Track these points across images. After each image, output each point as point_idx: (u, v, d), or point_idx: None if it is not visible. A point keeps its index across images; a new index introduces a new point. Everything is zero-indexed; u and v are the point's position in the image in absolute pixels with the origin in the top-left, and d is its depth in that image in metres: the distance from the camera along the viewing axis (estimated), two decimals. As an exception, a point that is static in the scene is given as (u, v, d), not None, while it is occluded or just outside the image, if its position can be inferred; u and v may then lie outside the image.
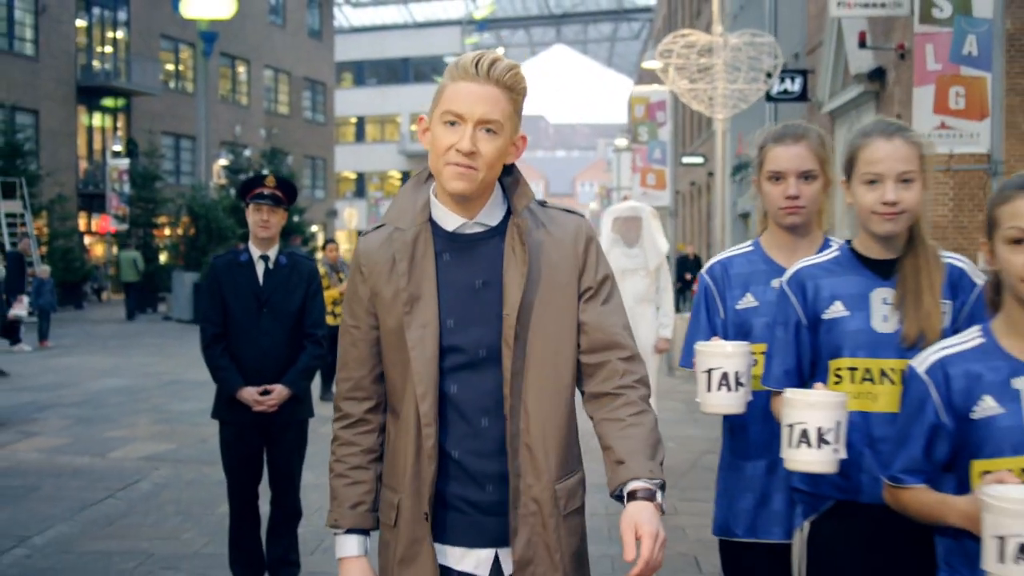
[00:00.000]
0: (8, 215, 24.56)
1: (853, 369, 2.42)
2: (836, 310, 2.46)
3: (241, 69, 44.53)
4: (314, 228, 41.31)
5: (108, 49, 36.29)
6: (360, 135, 65.44)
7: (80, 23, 34.62)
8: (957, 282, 2.50)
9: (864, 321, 2.44)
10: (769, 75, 15.49)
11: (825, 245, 2.79)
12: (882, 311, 2.44)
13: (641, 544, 1.91)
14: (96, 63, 35.37)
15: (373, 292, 2.24)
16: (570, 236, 2.25)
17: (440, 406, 2.16)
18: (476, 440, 2.17)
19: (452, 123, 2.10)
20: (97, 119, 36.25)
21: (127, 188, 30.70)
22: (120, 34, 37.09)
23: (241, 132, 40.05)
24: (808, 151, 2.87)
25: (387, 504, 2.25)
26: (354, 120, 64.81)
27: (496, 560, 2.20)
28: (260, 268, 4.78)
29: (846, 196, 2.54)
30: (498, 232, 2.22)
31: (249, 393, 4.69)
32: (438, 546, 2.19)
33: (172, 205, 26.29)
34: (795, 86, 20.19)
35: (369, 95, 64.07)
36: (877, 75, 15.82)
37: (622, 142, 41.35)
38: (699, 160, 34.56)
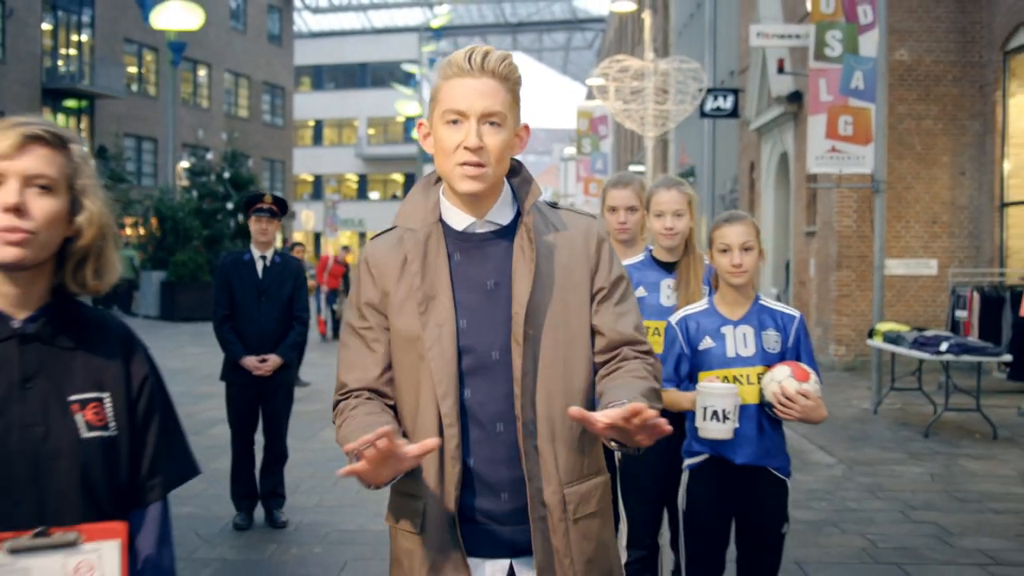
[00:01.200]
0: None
1: (651, 328, 3.87)
2: (639, 292, 3.91)
3: (202, 73, 45.42)
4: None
5: (72, 52, 37.16)
6: (318, 138, 66.16)
7: (46, 26, 35.46)
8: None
9: (656, 299, 3.90)
10: (700, 93, 17.08)
11: (646, 250, 4.19)
12: (667, 292, 3.91)
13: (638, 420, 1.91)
14: (61, 65, 36.20)
15: (383, 293, 2.21)
16: (581, 236, 2.25)
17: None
18: (490, 447, 2.12)
19: (455, 121, 2.09)
20: (61, 120, 37.11)
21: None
22: (84, 37, 37.96)
23: (203, 135, 41.03)
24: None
25: (411, 512, 2.17)
26: (312, 123, 65.54)
27: (511, 571, 2.17)
28: (259, 265, 6.20)
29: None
30: (508, 231, 2.22)
31: (250, 361, 6.10)
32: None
33: (140, 206, 27.35)
34: (727, 103, 21.77)
35: (327, 99, 64.89)
36: (795, 97, 17.42)
37: (570, 151, 42.86)
38: (643, 168, 36.27)
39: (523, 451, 2.09)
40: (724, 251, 3.42)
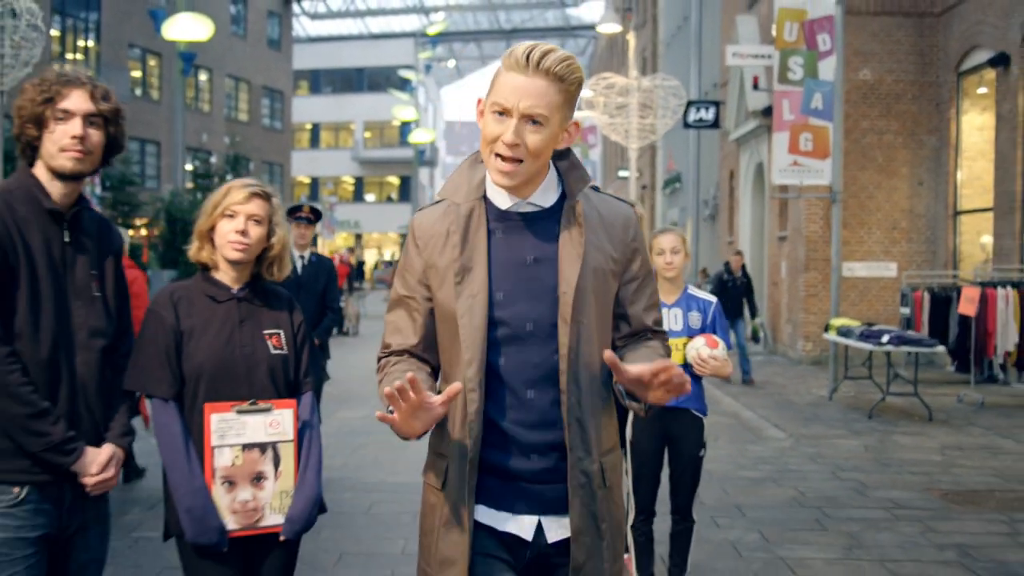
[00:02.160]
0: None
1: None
2: None
3: (204, 77, 46.54)
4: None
5: (79, 57, 38.33)
6: (315, 141, 67.31)
7: (54, 32, 36.62)
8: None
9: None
10: (680, 108, 18.42)
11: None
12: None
13: (664, 375, 2.10)
14: (68, 70, 37.30)
15: (428, 264, 2.31)
16: (621, 223, 2.36)
17: (488, 376, 2.22)
18: (521, 411, 2.23)
19: (500, 113, 2.17)
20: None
21: (99, 191, 32.90)
22: (91, 43, 39.16)
23: (207, 139, 42.21)
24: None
25: (438, 469, 2.31)
26: (309, 126, 66.70)
27: (539, 527, 2.27)
28: (299, 263, 7.48)
29: None
30: (551, 213, 2.29)
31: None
32: (484, 508, 2.26)
33: (150, 208, 28.57)
34: (709, 115, 23.02)
35: (324, 103, 66.08)
36: (769, 112, 18.70)
37: (562, 156, 44.13)
38: (635, 174, 37.57)
39: (567, 423, 2.21)
40: (660, 254, 4.72)
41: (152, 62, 42.70)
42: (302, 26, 65.14)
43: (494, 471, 2.24)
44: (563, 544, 2.26)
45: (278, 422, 2.89)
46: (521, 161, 2.17)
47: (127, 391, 2.89)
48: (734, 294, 14.13)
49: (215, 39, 45.60)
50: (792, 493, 7.48)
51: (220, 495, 2.83)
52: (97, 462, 2.71)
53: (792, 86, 12.99)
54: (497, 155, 2.17)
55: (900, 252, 16.80)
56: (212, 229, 2.96)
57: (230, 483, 2.84)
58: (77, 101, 2.77)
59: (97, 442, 2.76)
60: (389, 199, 67.02)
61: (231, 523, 2.84)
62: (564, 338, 2.21)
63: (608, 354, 2.05)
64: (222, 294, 2.95)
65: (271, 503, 2.88)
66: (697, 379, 4.69)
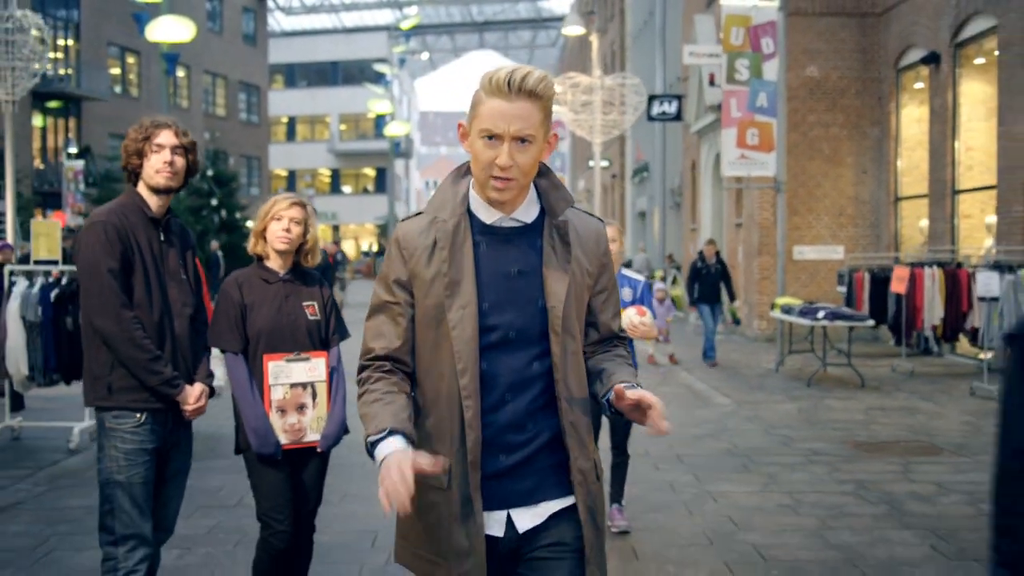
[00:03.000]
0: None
1: None
2: None
3: (181, 74, 47.27)
4: (250, 223, 44.49)
5: (60, 55, 39.06)
6: (291, 134, 68.04)
7: (34, 32, 37.33)
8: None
9: None
10: (641, 105, 19.65)
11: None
12: None
13: (653, 411, 2.27)
14: (49, 68, 38.05)
15: (412, 274, 2.42)
16: (594, 238, 2.51)
17: None
18: (499, 414, 2.36)
19: (490, 138, 2.30)
20: (49, 122, 39.09)
21: (82, 187, 33.77)
22: (71, 41, 39.93)
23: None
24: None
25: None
26: (285, 120, 67.42)
27: (509, 520, 2.40)
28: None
29: None
30: (532, 229, 2.44)
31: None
32: None
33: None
34: (672, 108, 24.28)
35: (300, 96, 66.85)
36: (725, 106, 19.99)
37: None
38: (606, 163, 38.85)
39: (563, 427, 2.38)
40: None
41: (131, 60, 43.49)
42: (276, 21, 65.81)
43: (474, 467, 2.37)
44: (532, 533, 2.41)
45: (315, 368, 4.05)
46: (514, 180, 2.31)
47: (206, 346, 4.05)
48: (709, 281, 14.90)
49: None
50: (726, 446, 8.71)
51: (275, 419, 4.00)
52: (193, 395, 3.87)
53: (739, 86, 14.21)
54: (493, 177, 2.31)
55: (846, 236, 18.07)
56: (264, 230, 4.12)
57: (282, 411, 4.01)
58: (166, 137, 3.90)
59: (189, 382, 3.92)
60: (365, 190, 67.97)
61: (283, 439, 4.01)
62: (556, 348, 2.37)
63: (618, 388, 2.31)
64: (272, 277, 4.11)
65: (311, 425, 4.04)
66: (629, 341, 5.86)
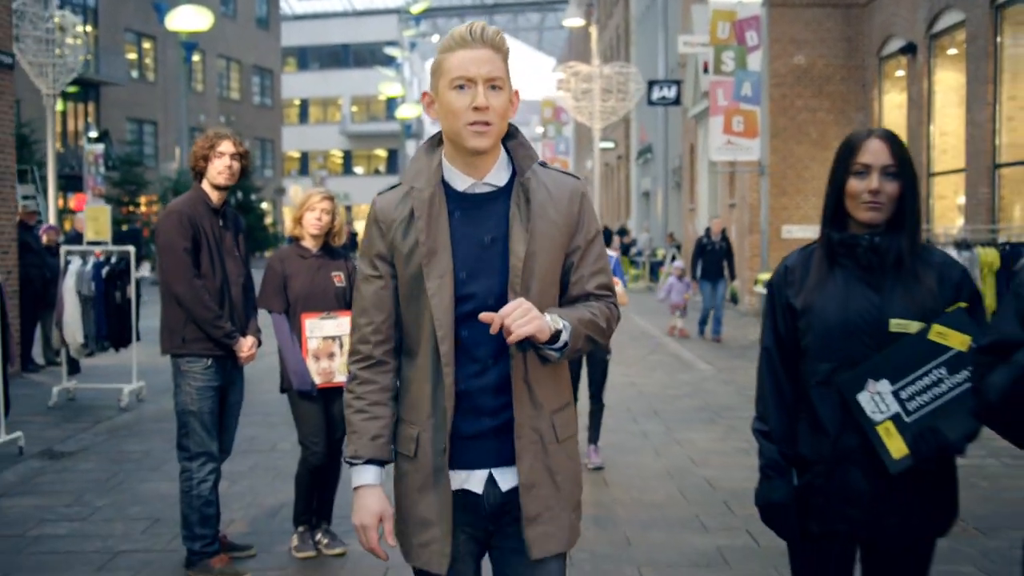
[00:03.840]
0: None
1: None
2: None
3: (196, 58, 48.25)
4: (264, 205, 45.66)
5: (78, 42, 40.05)
6: (303, 116, 69.12)
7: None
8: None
9: None
10: (638, 92, 20.70)
11: None
12: None
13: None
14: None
15: (391, 245, 2.46)
16: (567, 196, 2.47)
17: (454, 348, 2.38)
18: (482, 378, 2.40)
19: (462, 87, 2.33)
20: (69, 107, 40.20)
21: (102, 170, 34.96)
22: (89, 28, 40.98)
23: (204, 119, 44.09)
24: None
25: (406, 437, 2.47)
26: (298, 102, 68.48)
27: (491, 478, 2.43)
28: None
29: None
30: (504, 192, 2.45)
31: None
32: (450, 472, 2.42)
33: (157, 186, 30.70)
34: (671, 93, 25.30)
35: (312, 79, 67.85)
36: (720, 92, 21.00)
37: (539, 130, 46.47)
38: (611, 145, 39.87)
39: (514, 386, 2.37)
40: None
41: (147, 45, 44.52)
42: (288, 4, 66.81)
43: (460, 436, 2.41)
44: (515, 491, 2.43)
45: (341, 324, 5.15)
46: (493, 124, 2.34)
47: (255, 307, 5.17)
48: (713, 257, 15.41)
49: (207, 20, 47.54)
50: (699, 403, 9.82)
51: (311, 364, 5.11)
52: (246, 345, 4.98)
53: (725, 76, 15.23)
54: (472, 123, 2.33)
55: (832, 216, 19.07)
56: (300, 218, 5.22)
57: (316, 358, 5.12)
58: (226, 147, 5.00)
59: (243, 335, 5.02)
60: (377, 171, 69.01)
61: (317, 380, 5.12)
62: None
63: (484, 316, 2.26)
64: (307, 254, 5.21)
65: (339, 369, 5.16)
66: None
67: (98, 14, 41.03)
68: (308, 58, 68.64)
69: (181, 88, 31.14)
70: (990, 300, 11.83)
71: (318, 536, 5.36)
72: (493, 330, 2.25)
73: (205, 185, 5.03)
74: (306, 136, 67.49)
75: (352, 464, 2.45)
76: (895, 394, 2.53)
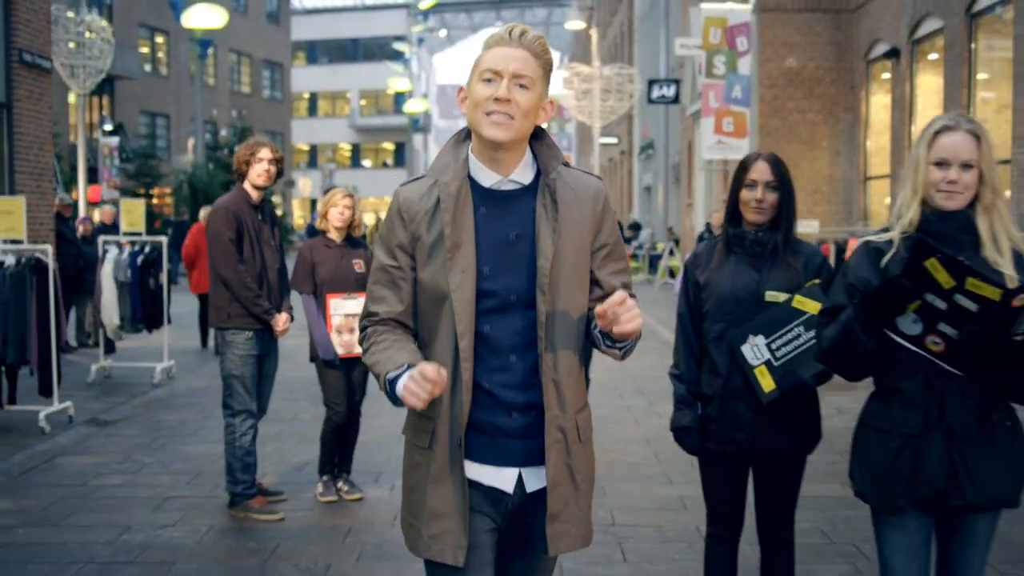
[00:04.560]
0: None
1: None
2: None
3: (208, 52, 49.17)
4: (275, 198, 46.58)
5: (93, 36, 40.94)
6: (313, 110, 69.89)
7: (69, 14, 39.32)
8: None
9: None
10: (635, 92, 21.58)
11: None
12: None
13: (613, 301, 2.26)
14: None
15: (414, 237, 2.47)
16: (591, 196, 2.51)
17: (475, 343, 2.41)
18: (505, 374, 2.43)
19: (489, 80, 2.38)
20: (84, 100, 41.00)
21: (117, 163, 35.90)
22: (104, 23, 41.87)
23: (217, 113, 44.96)
24: None
25: (421, 429, 2.49)
26: (307, 96, 69.19)
27: (519, 478, 2.47)
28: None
29: None
30: (529, 190, 2.47)
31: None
32: (468, 463, 2.44)
33: (172, 178, 31.64)
34: (670, 92, 26.15)
35: (321, 73, 68.57)
36: (716, 92, 21.87)
37: (543, 125, 47.31)
38: (614, 140, 40.75)
39: (544, 384, 2.42)
40: None
41: (160, 40, 45.37)
42: (298, -1, 67.70)
43: (478, 429, 2.43)
44: (540, 493, 2.47)
45: (361, 303, 6.04)
46: (513, 118, 2.36)
47: (288, 289, 6.09)
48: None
49: (219, 15, 48.37)
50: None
51: (335, 338, 6.02)
52: (281, 320, 5.89)
53: (717, 79, 16.12)
54: (489, 113, 2.37)
55: (821, 212, 19.96)
56: (326, 213, 6.12)
57: (339, 332, 6.03)
58: (265, 154, 5.90)
59: (278, 312, 5.93)
60: (385, 164, 69.87)
61: (340, 351, 6.03)
62: (542, 306, 2.40)
63: (597, 308, 2.29)
64: (332, 244, 6.12)
65: (358, 341, 6.06)
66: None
67: (113, 9, 41.89)
68: (317, 52, 69.41)
69: (196, 83, 31.99)
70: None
71: (339, 484, 6.29)
72: (602, 324, 2.29)
73: (247, 185, 5.94)
74: (315, 129, 68.26)
75: (394, 379, 2.35)
76: (767, 345, 3.45)
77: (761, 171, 3.57)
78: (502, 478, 2.47)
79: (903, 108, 17.23)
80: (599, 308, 2.28)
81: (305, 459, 7.24)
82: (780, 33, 19.56)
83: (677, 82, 25.95)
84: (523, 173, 2.49)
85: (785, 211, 3.58)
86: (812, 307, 3.42)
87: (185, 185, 30.81)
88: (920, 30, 16.59)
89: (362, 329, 2.59)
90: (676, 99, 25.97)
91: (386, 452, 7.49)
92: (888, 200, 18.40)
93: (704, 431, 3.61)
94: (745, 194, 3.59)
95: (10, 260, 8.11)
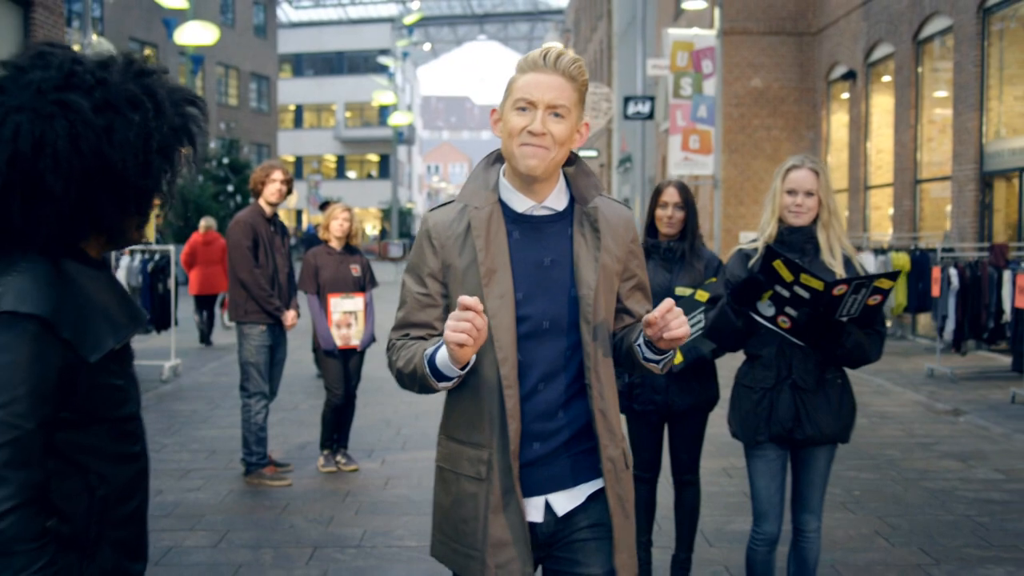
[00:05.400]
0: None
1: None
2: None
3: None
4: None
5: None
6: (298, 122, 70.78)
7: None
8: None
9: None
10: (610, 110, 22.68)
11: None
12: None
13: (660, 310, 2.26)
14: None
15: (445, 264, 2.43)
16: (623, 225, 2.51)
17: None
18: (533, 402, 2.39)
19: (523, 109, 2.33)
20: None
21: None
22: (94, 37, 42.81)
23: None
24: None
25: (473, 459, 2.44)
26: (293, 108, 69.97)
27: (547, 505, 2.44)
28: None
29: None
30: (563, 217, 2.45)
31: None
32: None
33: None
34: (646, 108, 27.27)
35: (307, 85, 69.48)
36: (687, 110, 23.02)
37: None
38: (594, 153, 41.89)
39: (593, 415, 2.40)
40: None
41: (148, 52, 46.42)
42: (284, 12, 68.50)
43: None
44: (570, 515, 2.46)
45: (357, 303, 7.10)
46: (548, 149, 2.33)
47: (295, 290, 7.12)
48: None
49: (207, 30, 49.25)
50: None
51: (334, 331, 7.05)
52: (290, 316, 6.92)
53: (683, 100, 17.23)
54: (524, 144, 2.34)
55: (785, 224, 21.10)
56: (327, 225, 7.16)
57: (338, 326, 7.06)
58: (278, 175, 6.94)
59: (287, 308, 6.96)
60: (370, 176, 70.80)
61: (339, 342, 7.06)
62: (587, 336, 2.39)
63: (647, 317, 2.30)
64: (332, 251, 7.16)
65: (354, 335, 7.12)
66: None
67: (103, 22, 42.82)
68: (303, 65, 70.32)
69: (188, 98, 32.84)
70: (901, 298, 13.87)
71: (338, 457, 7.33)
72: (652, 332, 2.30)
73: (261, 201, 6.98)
74: (301, 141, 69.10)
75: (432, 353, 2.34)
76: None
77: (671, 195, 4.64)
78: (529, 509, 2.46)
79: (859, 127, 18.41)
80: (649, 316, 2.29)
81: (305, 440, 8.26)
82: (747, 55, 20.74)
83: (652, 99, 27.07)
84: (557, 199, 2.47)
85: (690, 225, 4.64)
86: (709, 299, 4.48)
87: (177, 197, 31.69)
88: (874, 54, 17.77)
89: (389, 347, 2.55)
90: (651, 115, 27.03)
91: (377, 433, 8.53)
92: (848, 213, 19.58)
93: (630, 395, 4.64)
94: (659, 212, 4.66)
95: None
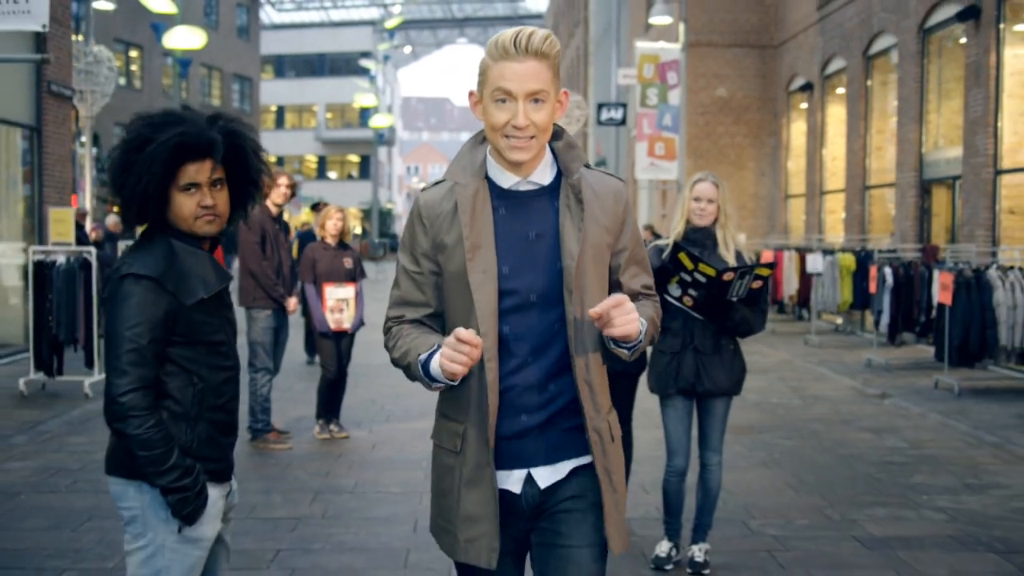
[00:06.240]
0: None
1: None
2: None
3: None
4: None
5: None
6: (280, 122, 71.21)
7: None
8: None
9: None
10: (583, 117, 23.82)
11: None
12: None
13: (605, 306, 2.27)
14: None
15: (436, 242, 2.47)
16: (612, 197, 2.50)
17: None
18: (521, 376, 2.42)
19: (503, 100, 2.32)
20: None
21: (94, 172, 37.64)
22: (80, 37, 43.53)
23: (190, 127, 46.47)
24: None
25: (451, 433, 2.49)
26: (274, 109, 70.38)
27: (529, 477, 2.47)
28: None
29: None
30: (549, 191, 2.46)
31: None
32: None
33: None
34: (618, 114, 28.40)
35: (288, 86, 69.93)
36: (656, 117, 24.16)
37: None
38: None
39: (578, 386, 2.41)
40: None
41: (134, 54, 46.93)
42: (267, 14, 69.11)
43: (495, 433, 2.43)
44: (554, 487, 2.49)
45: (348, 291, 8.15)
46: (533, 137, 2.35)
47: (296, 279, 8.19)
48: None
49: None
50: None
51: (328, 316, 8.11)
52: (292, 302, 7.97)
53: (649, 109, 18.36)
54: (509, 136, 2.35)
55: (748, 226, 22.29)
56: (323, 224, 8.22)
57: (332, 311, 8.12)
58: (283, 181, 7.99)
59: (289, 295, 8.02)
60: (350, 176, 71.50)
61: (332, 326, 8.11)
62: (570, 307, 2.40)
63: (591, 311, 2.28)
64: (328, 247, 8.21)
65: (347, 319, 8.18)
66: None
67: (89, 24, 43.50)
68: (285, 66, 70.91)
69: (174, 100, 33.76)
70: (847, 295, 15.04)
71: (331, 426, 8.40)
72: (597, 320, 2.30)
73: (268, 202, 8.04)
74: (282, 141, 69.54)
75: (427, 359, 2.41)
76: None
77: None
78: (510, 480, 2.49)
79: (816, 135, 19.61)
80: (592, 311, 2.29)
81: (301, 414, 9.32)
82: (712, 65, 21.92)
83: (624, 105, 28.22)
84: (542, 174, 2.48)
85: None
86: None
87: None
88: (829, 67, 18.96)
89: (386, 331, 2.60)
90: (623, 121, 28.17)
91: (364, 410, 9.61)
92: (804, 217, 20.77)
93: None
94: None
95: (61, 259, 10.14)
